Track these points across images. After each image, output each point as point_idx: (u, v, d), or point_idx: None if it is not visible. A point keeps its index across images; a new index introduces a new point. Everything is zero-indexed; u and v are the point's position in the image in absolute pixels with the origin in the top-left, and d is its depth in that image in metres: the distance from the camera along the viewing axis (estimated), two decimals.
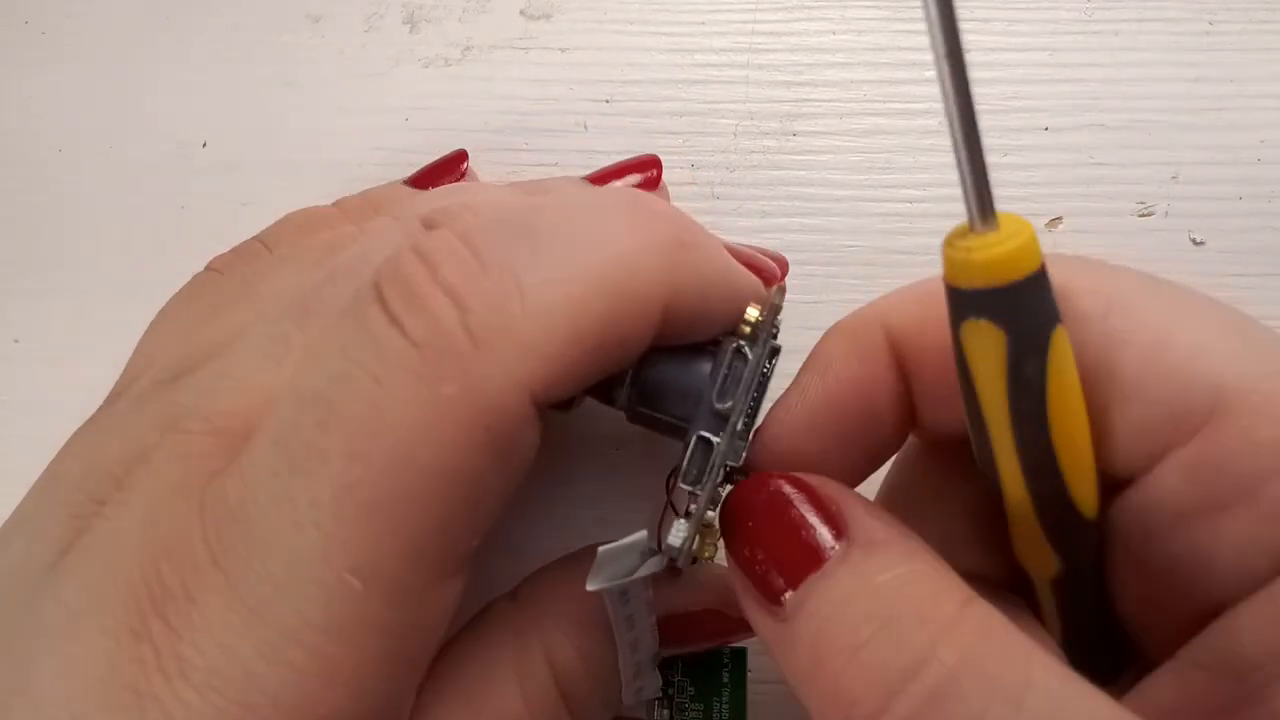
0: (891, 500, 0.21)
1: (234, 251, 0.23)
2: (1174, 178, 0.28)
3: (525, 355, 0.16)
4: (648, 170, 0.26)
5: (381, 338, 0.16)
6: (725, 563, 0.18)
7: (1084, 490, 0.16)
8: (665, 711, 0.24)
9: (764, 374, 0.19)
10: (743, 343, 0.18)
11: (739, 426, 0.18)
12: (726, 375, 0.18)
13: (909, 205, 0.27)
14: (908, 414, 0.19)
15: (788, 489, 0.17)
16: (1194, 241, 0.27)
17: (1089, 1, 0.29)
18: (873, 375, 0.18)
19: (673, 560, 0.18)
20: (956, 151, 0.15)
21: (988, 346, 0.15)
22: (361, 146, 0.29)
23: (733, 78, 0.28)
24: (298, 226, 0.24)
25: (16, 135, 0.29)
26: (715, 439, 0.18)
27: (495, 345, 0.16)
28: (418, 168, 0.27)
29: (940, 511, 0.20)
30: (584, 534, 0.25)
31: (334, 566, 0.15)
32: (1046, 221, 0.28)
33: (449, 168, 0.26)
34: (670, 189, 0.27)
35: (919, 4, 0.14)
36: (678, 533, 0.17)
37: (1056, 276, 0.16)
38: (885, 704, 0.14)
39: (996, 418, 0.16)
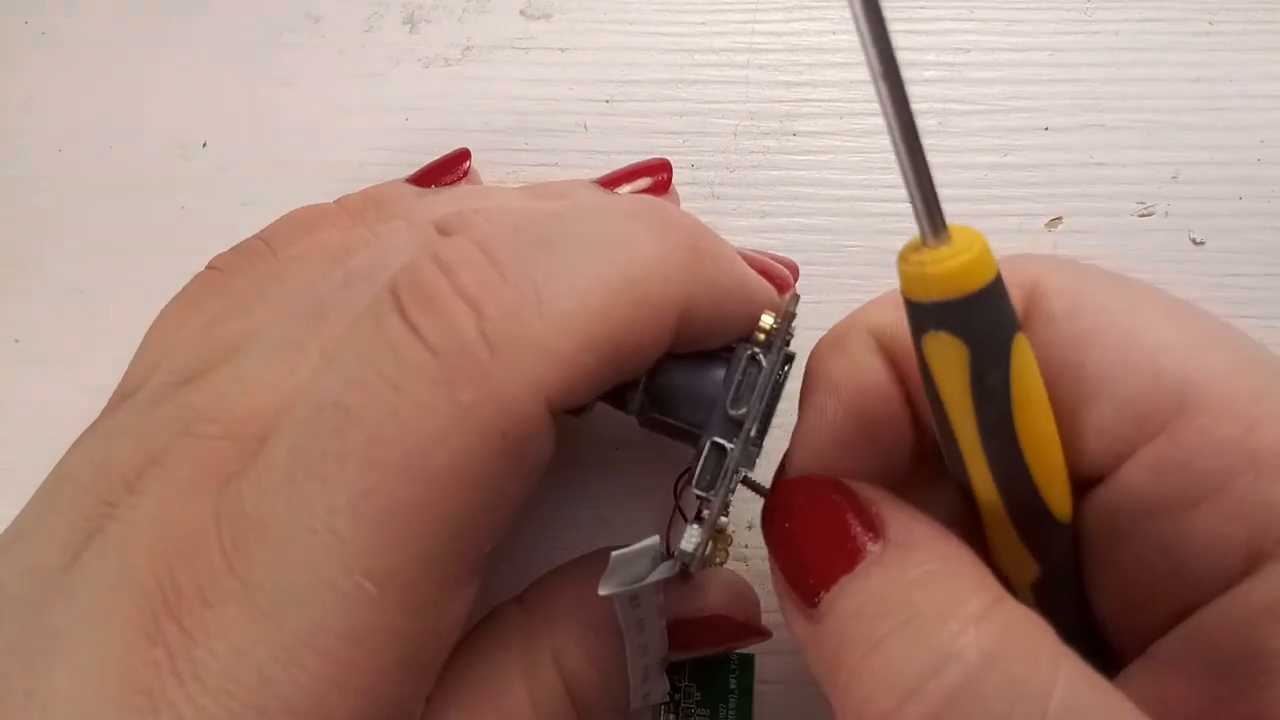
0: None
1: (235, 250, 0.23)
2: (1174, 178, 0.28)
3: (542, 362, 0.16)
4: (658, 174, 0.26)
5: (399, 344, 0.16)
6: (733, 567, 0.18)
7: (1056, 493, 0.16)
8: (672, 716, 0.24)
9: (778, 381, 0.19)
10: (757, 350, 0.19)
11: (753, 433, 0.18)
12: (740, 381, 0.18)
13: (909, 205, 0.27)
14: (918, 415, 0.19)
15: (827, 491, 0.17)
16: (1194, 241, 0.27)
17: (1089, 1, 0.29)
18: (877, 383, 0.18)
19: (685, 566, 0.18)
20: (902, 168, 0.15)
21: (949, 358, 0.15)
22: (361, 146, 0.29)
23: (733, 78, 0.28)
24: (300, 224, 0.24)
25: (16, 135, 0.29)
26: (729, 445, 0.18)
27: (513, 352, 0.16)
28: (418, 168, 0.27)
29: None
30: (584, 534, 0.25)
31: (350, 572, 0.16)
32: (1046, 221, 0.28)
33: (451, 166, 0.26)
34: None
35: (854, 16, 0.14)
36: (690, 538, 0.18)
37: (1026, 277, 0.16)
38: (900, 704, 0.14)
39: (964, 427, 0.16)
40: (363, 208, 0.24)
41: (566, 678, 0.20)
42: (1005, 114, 0.28)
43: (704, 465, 0.18)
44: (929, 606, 0.15)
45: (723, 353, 0.19)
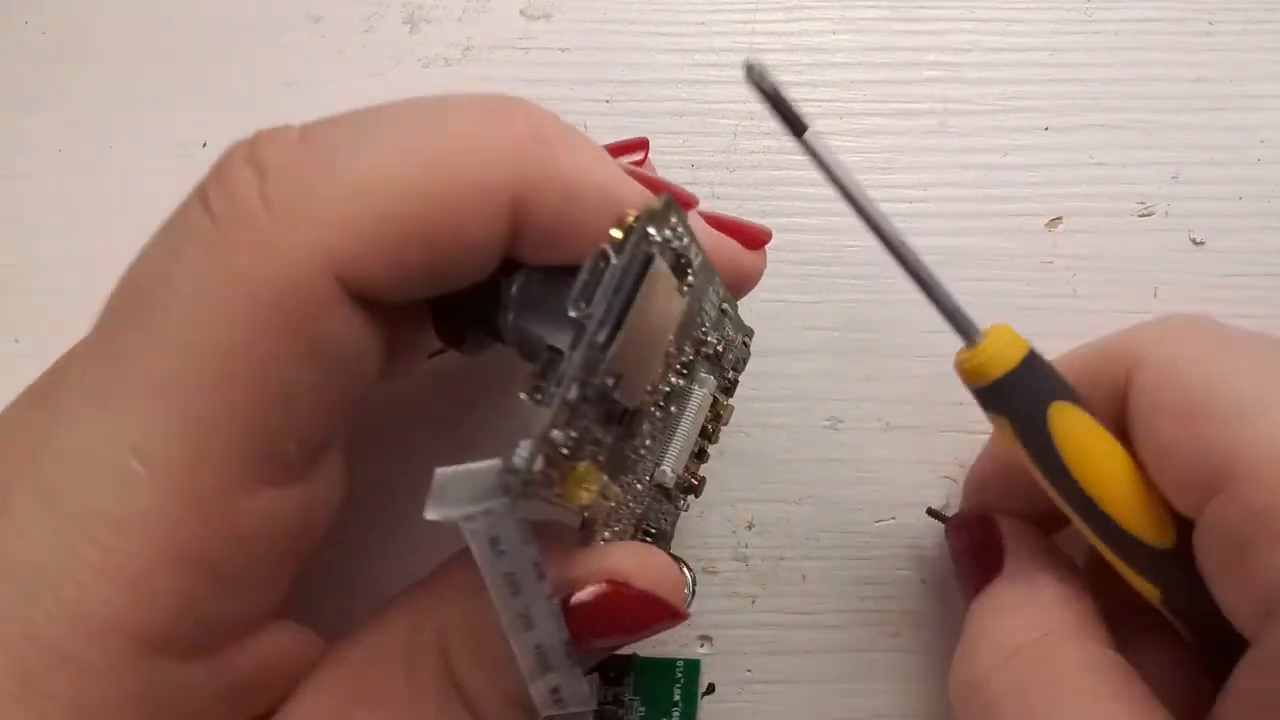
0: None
1: None
2: (1174, 178, 0.28)
3: (326, 227, 0.15)
4: (633, 153, 0.24)
5: (187, 213, 0.16)
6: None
7: (1140, 525, 0.18)
8: None
9: (635, 283, 0.16)
10: (606, 246, 0.16)
11: (598, 338, 0.16)
12: (587, 282, 0.16)
13: (909, 205, 0.27)
14: None
15: (975, 525, 0.22)
16: (1194, 241, 0.27)
17: (1089, 1, 0.29)
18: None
19: (510, 482, 0.15)
20: (926, 295, 0.19)
21: (1004, 429, 0.19)
22: None
23: (733, 78, 0.28)
24: None
25: (16, 135, 0.29)
26: (565, 350, 0.16)
27: (292, 214, 0.15)
28: None
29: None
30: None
31: (120, 449, 0.15)
32: (1046, 221, 0.28)
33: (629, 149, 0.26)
34: None
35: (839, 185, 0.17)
36: (519, 452, 0.15)
37: (1129, 350, 0.19)
38: (959, 708, 0.20)
39: (1040, 480, 0.19)
40: None
41: (449, 654, 0.18)
42: (1005, 114, 0.28)
43: (537, 370, 0.16)
44: (986, 634, 0.20)
45: None
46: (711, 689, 0.25)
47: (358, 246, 0.15)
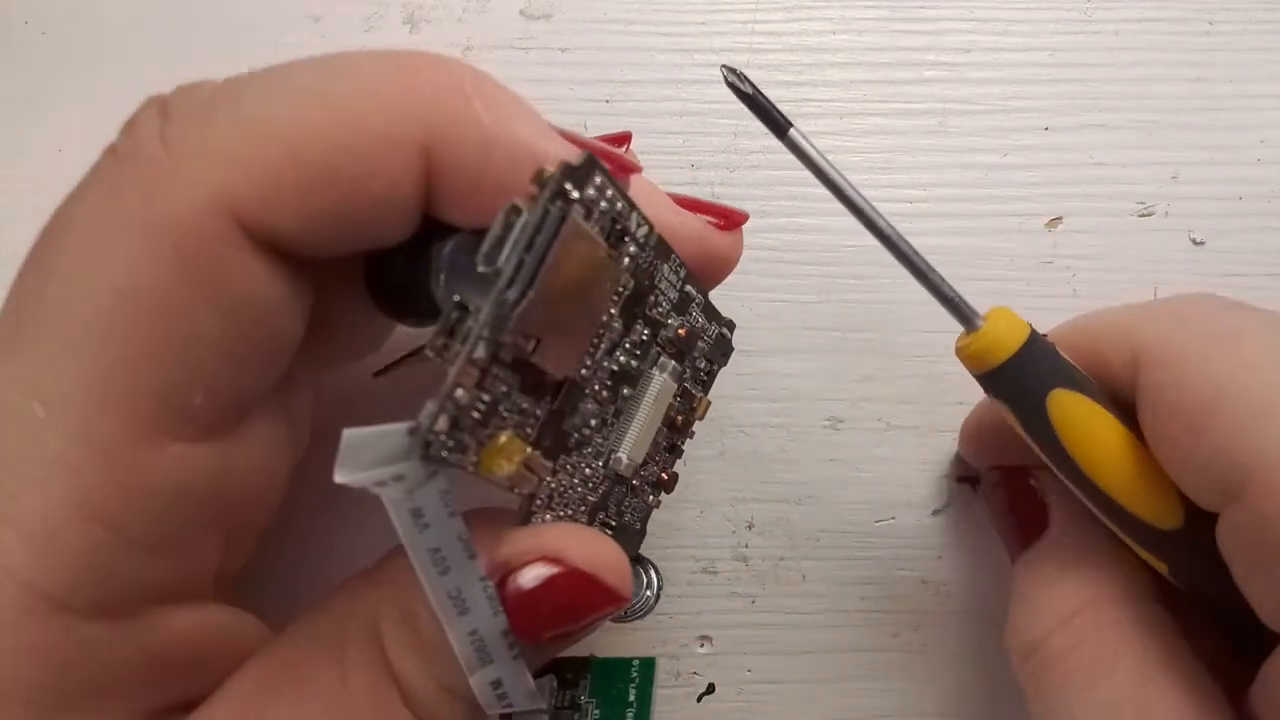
0: None
1: None
2: (1174, 178, 0.28)
3: (223, 166, 0.15)
4: (615, 147, 0.23)
5: (98, 161, 0.16)
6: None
7: (1146, 508, 0.19)
8: None
9: (549, 240, 0.15)
10: (518, 201, 0.15)
11: (508, 296, 0.15)
12: (498, 237, 0.15)
13: (909, 205, 0.27)
14: None
15: (1023, 479, 0.22)
16: (1194, 241, 0.27)
17: (1089, 1, 0.29)
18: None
19: (414, 445, 0.14)
20: (924, 285, 0.19)
21: (1006, 413, 0.19)
22: None
23: None
24: None
25: (16, 135, 0.29)
26: (471, 305, 0.15)
27: (189, 153, 0.15)
28: None
29: None
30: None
31: (22, 390, 0.14)
32: (1046, 221, 0.28)
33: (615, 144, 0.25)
34: (670, 189, 0.27)
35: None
36: (427, 411, 0.14)
37: (1131, 342, 0.19)
38: (1018, 666, 0.21)
39: (1042, 459, 0.20)
40: None
41: (384, 640, 0.17)
42: (1005, 114, 0.28)
43: (444, 328, 0.15)
44: (1042, 597, 0.20)
45: None
46: (711, 689, 0.25)
47: (256, 187, 0.15)
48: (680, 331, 0.20)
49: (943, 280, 0.19)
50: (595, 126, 0.28)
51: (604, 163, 0.17)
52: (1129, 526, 0.19)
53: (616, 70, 0.29)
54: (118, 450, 0.15)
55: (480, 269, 0.15)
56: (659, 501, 0.21)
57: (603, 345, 0.18)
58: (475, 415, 0.15)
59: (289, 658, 0.17)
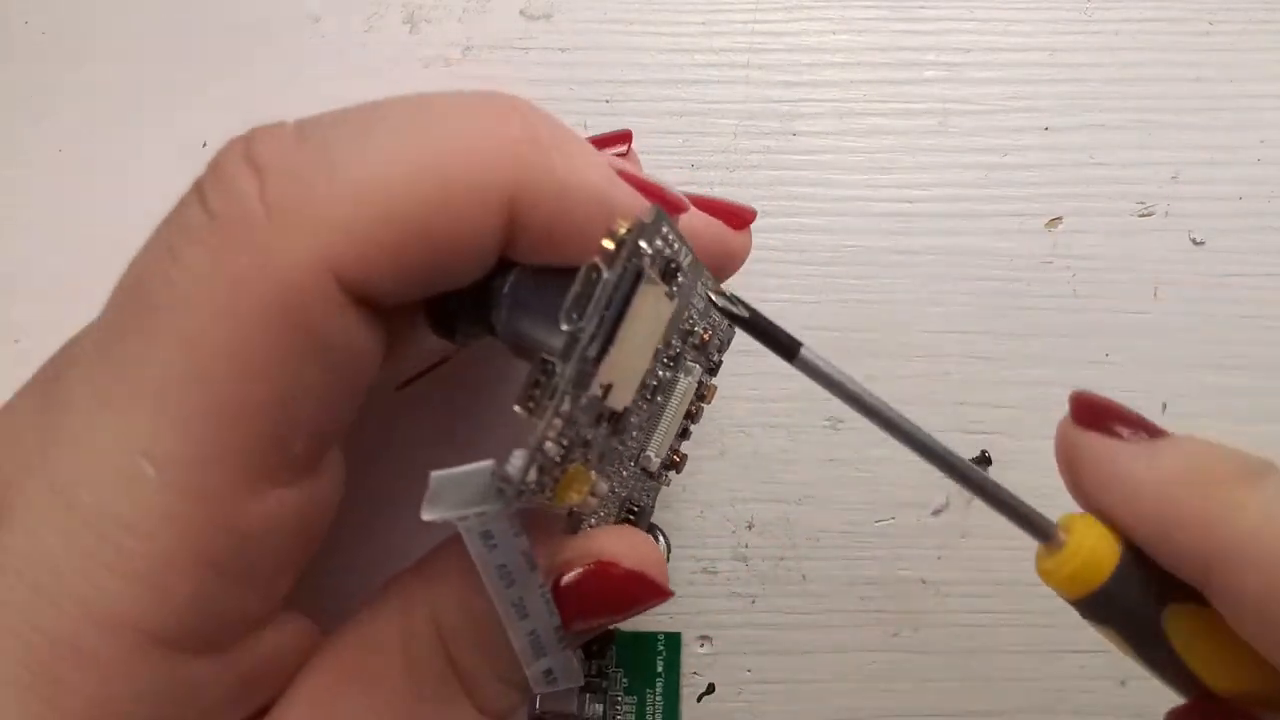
0: None
1: None
2: (1174, 178, 0.28)
3: (325, 230, 0.15)
4: (617, 145, 0.24)
5: (185, 213, 0.16)
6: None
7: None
8: (598, 706, 0.23)
9: (626, 297, 0.16)
10: (598, 260, 0.16)
11: (590, 353, 0.16)
12: (579, 294, 0.16)
13: (909, 205, 0.27)
14: None
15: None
16: (1194, 241, 0.27)
17: (1089, 1, 0.29)
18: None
19: (506, 490, 0.16)
20: (987, 501, 0.17)
21: (1114, 639, 0.17)
22: None
23: (733, 78, 0.28)
24: None
25: (17, 135, 0.29)
26: (558, 363, 0.16)
27: (292, 216, 0.15)
28: None
29: None
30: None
31: (129, 450, 0.15)
32: (1046, 221, 0.28)
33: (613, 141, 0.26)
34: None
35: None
36: (513, 462, 0.15)
37: (1204, 548, 0.16)
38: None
39: (1164, 683, 0.17)
40: None
41: (443, 633, 0.18)
42: (1005, 114, 0.28)
43: (529, 383, 0.16)
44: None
45: None
46: (711, 689, 0.25)
47: (356, 249, 0.15)
48: (705, 336, 0.20)
49: (1008, 493, 0.17)
50: (595, 126, 0.28)
51: (653, 197, 0.18)
52: None
53: (616, 70, 0.29)
54: (224, 503, 0.15)
55: (564, 327, 0.16)
56: (669, 481, 0.22)
57: (650, 367, 0.19)
58: (556, 459, 0.16)
59: (353, 658, 0.18)
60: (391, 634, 0.18)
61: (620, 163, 0.19)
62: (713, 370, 0.22)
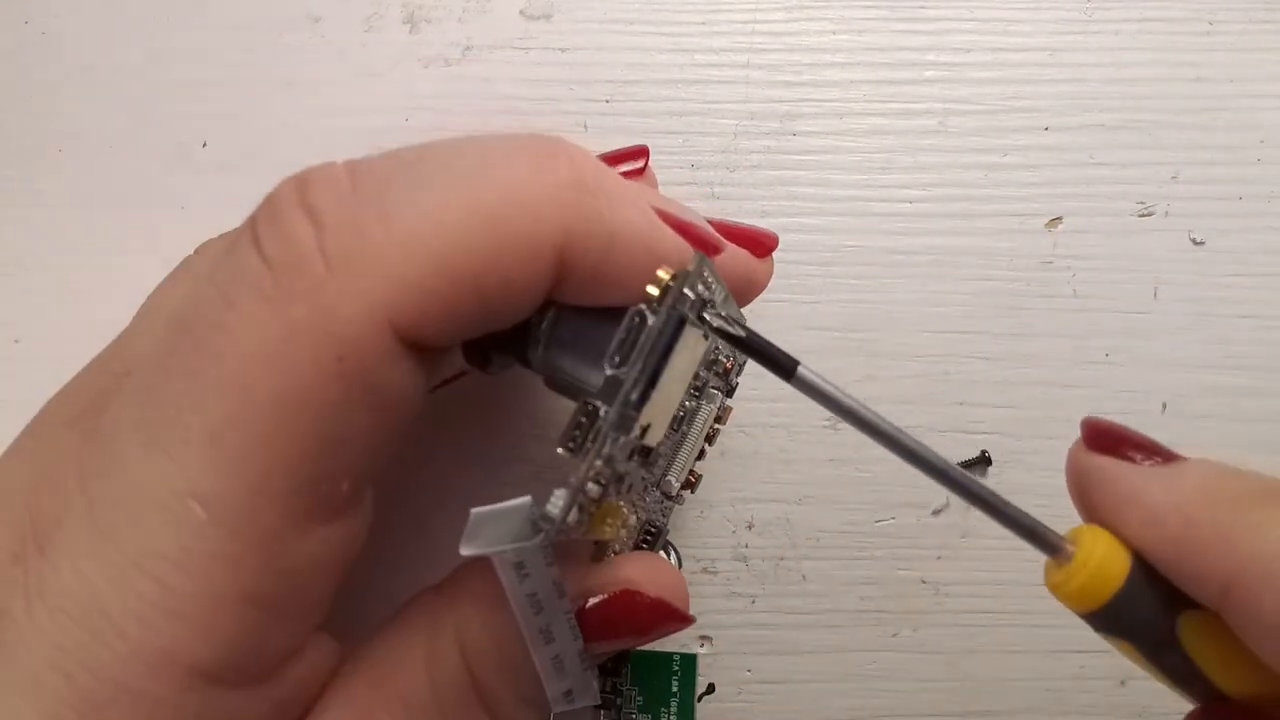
0: None
1: (223, 237, 0.24)
2: (1174, 178, 0.28)
3: (383, 281, 0.15)
4: (635, 160, 0.25)
5: (240, 257, 0.16)
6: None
7: None
8: None
9: (669, 344, 0.17)
10: (643, 306, 0.17)
11: (633, 397, 0.16)
12: (624, 340, 0.16)
13: (909, 205, 0.27)
14: None
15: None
16: (1194, 241, 0.27)
17: (1089, 1, 0.29)
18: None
19: (548, 533, 0.16)
20: (994, 517, 0.17)
21: (1128, 652, 0.17)
22: (361, 147, 0.28)
23: (733, 78, 0.28)
24: None
25: (16, 135, 0.29)
26: (602, 406, 0.16)
27: (350, 268, 0.15)
28: None
29: None
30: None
31: (178, 493, 0.15)
32: (1046, 221, 0.28)
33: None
34: (670, 189, 0.27)
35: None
36: (554, 502, 0.16)
37: (1223, 570, 0.15)
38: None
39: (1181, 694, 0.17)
40: None
41: (468, 656, 0.18)
42: (1005, 114, 0.28)
43: (573, 425, 0.16)
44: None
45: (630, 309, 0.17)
46: (711, 689, 0.25)
47: (412, 300, 0.15)
48: (727, 365, 0.21)
49: (1015, 508, 0.17)
50: (595, 126, 0.28)
51: (699, 249, 0.18)
52: None
53: (616, 70, 0.29)
54: (273, 544, 0.16)
55: (608, 371, 0.16)
56: (683, 500, 0.22)
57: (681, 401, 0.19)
58: (595, 498, 0.17)
59: (378, 677, 0.18)
60: (417, 656, 0.18)
61: (656, 197, 0.20)
62: (730, 392, 0.22)
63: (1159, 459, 0.17)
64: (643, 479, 0.20)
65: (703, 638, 0.25)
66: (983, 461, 0.26)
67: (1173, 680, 0.17)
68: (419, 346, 0.16)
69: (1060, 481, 0.26)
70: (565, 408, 0.19)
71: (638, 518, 0.20)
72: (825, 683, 0.25)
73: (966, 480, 0.17)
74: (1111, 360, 0.27)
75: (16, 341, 0.28)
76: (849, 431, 0.26)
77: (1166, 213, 0.28)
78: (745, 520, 0.26)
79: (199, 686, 0.15)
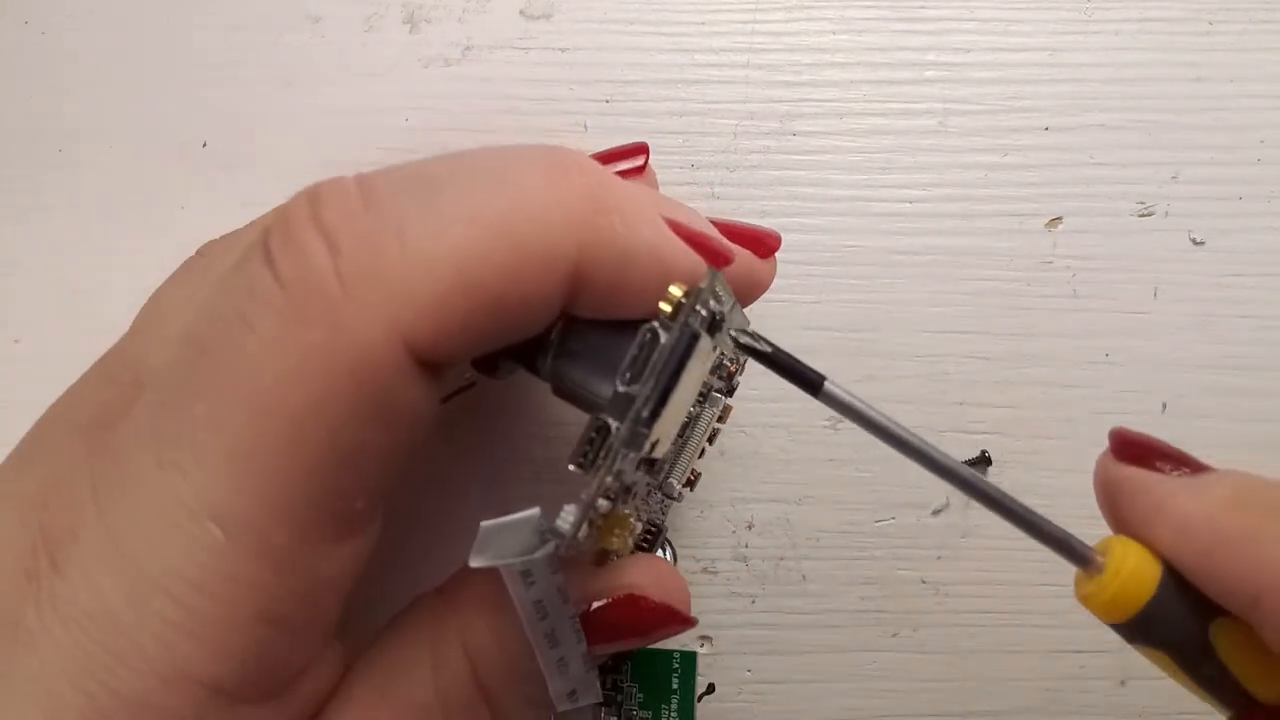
0: None
1: (223, 239, 0.24)
2: (1174, 178, 0.28)
3: (398, 303, 0.15)
4: (634, 158, 0.25)
5: (255, 278, 0.16)
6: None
7: None
8: (614, 718, 0.24)
9: (681, 360, 0.17)
10: (655, 324, 0.17)
11: (644, 414, 0.16)
12: (636, 357, 0.16)
13: (909, 205, 0.27)
14: None
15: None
16: (1194, 241, 0.27)
17: (1089, 1, 0.29)
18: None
19: (557, 546, 0.16)
20: (1023, 529, 0.17)
21: (1161, 661, 0.17)
22: (361, 146, 0.29)
23: (733, 78, 0.28)
24: None
25: (16, 135, 0.29)
26: (613, 424, 0.16)
27: (366, 289, 0.15)
28: None
29: None
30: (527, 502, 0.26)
31: (196, 515, 0.15)
32: (1046, 221, 0.28)
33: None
34: (670, 189, 0.27)
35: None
36: (565, 517, 0.16)
37: (1254, 582, 0.15)
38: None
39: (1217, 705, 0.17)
40: None
41: (473, 661, 0.19)
42: (1005, 114, 0.28)
43: (584, 442, 0.16)
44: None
45: (643, 323, 0.17)
46: (711, 689, 0.25)
47: (429, 320, 0.15)
48: (731, 369, 0.21)
49: (1047, 521, 0.17)
50: (595, 126, 0.28)
51: (710, 263, 0.18)
52: None
53: (616, 70, 0.29)
54: (289, 561, 0.16)
55: (620, 388, 0.16)
56: (682, 497, 0.22)
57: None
58: (604, 513, 0.17)
59: (384, 684, 0.19)
60: (422, 662, 0.19)
61: (665, 203, 0.20)
62: (730, 392, 0.22)
63: (1187, 469, 0.18)
64: (647, 484, 0.20)
65: (703, 638, 0.25)
66: (983, 461, 0.26)
67: (1207, 689, 0.17)
68: (433, 363, 0.16)
69: (1061, 481, 0.27)
70: (567, 408, 0.19)
71: (640, 521, 0.20)
72: (825, 683, 0.25)
73: (1000, 495, 0.17)
74: (1111, 360, 0.27)
75: (16, 341, 0.28)
76: (849, 431, 0.26)
77: (1166, 213, 0.28)
78: (745, 520, 0.26)
79: (216, 703, 0.16)
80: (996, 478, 0.26)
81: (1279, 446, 0.26)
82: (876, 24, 0.29)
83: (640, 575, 0.20)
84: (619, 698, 0.24)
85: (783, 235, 0.23)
